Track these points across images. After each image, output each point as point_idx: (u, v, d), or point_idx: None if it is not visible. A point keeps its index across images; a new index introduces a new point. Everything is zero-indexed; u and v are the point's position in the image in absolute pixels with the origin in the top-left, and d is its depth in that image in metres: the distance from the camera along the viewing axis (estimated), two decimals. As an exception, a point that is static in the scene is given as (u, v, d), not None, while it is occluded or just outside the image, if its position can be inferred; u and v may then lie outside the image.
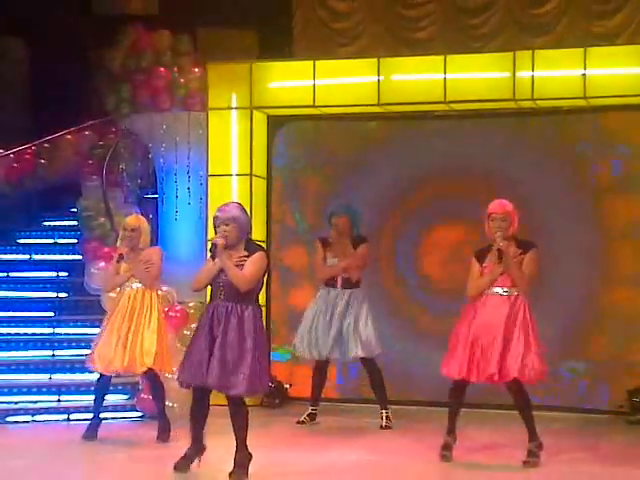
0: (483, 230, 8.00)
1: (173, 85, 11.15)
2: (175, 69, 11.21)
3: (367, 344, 9.48)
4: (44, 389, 10.08)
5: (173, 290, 9.93)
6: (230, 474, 7.24)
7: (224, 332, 7.13)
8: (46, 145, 13.15)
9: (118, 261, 8.85)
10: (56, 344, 10.72)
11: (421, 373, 10.33)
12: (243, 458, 7.25)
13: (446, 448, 8.01)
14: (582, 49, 10.05)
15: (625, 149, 10.33)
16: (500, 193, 8.32)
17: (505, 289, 7.87)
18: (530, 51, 10.22)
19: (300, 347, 9.69)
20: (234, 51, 12.52)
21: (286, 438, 9.12)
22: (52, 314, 11.23)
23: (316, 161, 11.25)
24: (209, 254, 7.31)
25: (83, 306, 11.20)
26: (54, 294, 11.62)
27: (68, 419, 9.76)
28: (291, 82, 10.89)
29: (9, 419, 9.68)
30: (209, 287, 7.44)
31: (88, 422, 8.91)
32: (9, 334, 10.88)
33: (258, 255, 7.24)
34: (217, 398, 7.40)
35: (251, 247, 7.30)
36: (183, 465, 7.43)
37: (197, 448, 7.46)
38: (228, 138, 10.89)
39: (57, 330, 10.99)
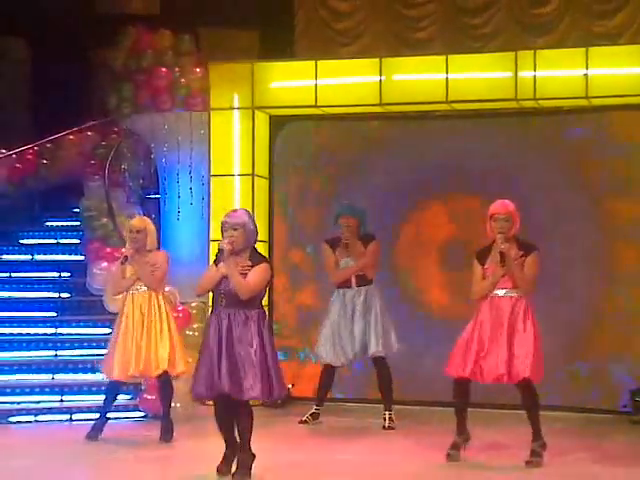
0: (484, 230, 8.01)
1: (174, 85, 11.13)
2: (176, 69, 11.18)
3: (387, 340, 9.47)
4: (47, 389, 10.10)
5: (175, 290, 9.92)
6: (233, 474, 7.25)
7: (230, 338, 7.14)
8: (48, 145, 13.11)
9: (123, 263, 8.85)
10: (58, 344, 10.72)
11: (425, 372, 10.33)
12: (246, 458, 7.26)
13: (454, 447, 8.00)
14: (584, 49, 10.06)
15: (627, 149, 10.32)
16: (502, 193, 8.31)
17: (507, 291, 7.88)
18: (532, 51, 10.23)
19: (324, 354, 9.62)
20: (236, 51, 12.51)
21: (288, 438, 9.12)
22: (54, 314, 11.22)
23: (318, 161, 11.25)
24: (213, 259, 7.30)
25: (85, 306, 11.20)
26: (56, 294, 11.60)
27: (71, 419, 9.77)
28: (293, 82, 10.89)
29: (12, 419, 9.69)
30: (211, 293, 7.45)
31: (93, 422, 8.92)
32: (11, 334, 10.88)
33: (262, 266, 7.24)
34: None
35: (255, 257, 7.29)
36: (225, 467, 7.40)
37: (233, 449, 7.43)
38: (230, 138, 10.89)
39: (59, 330, 10.99)
